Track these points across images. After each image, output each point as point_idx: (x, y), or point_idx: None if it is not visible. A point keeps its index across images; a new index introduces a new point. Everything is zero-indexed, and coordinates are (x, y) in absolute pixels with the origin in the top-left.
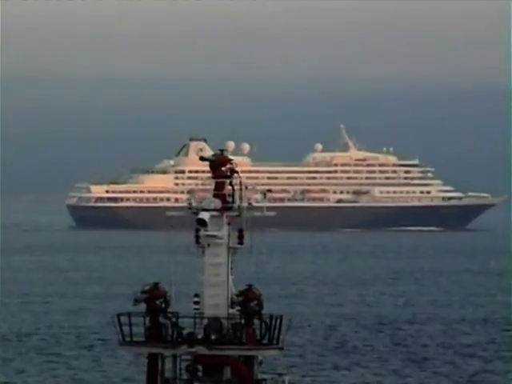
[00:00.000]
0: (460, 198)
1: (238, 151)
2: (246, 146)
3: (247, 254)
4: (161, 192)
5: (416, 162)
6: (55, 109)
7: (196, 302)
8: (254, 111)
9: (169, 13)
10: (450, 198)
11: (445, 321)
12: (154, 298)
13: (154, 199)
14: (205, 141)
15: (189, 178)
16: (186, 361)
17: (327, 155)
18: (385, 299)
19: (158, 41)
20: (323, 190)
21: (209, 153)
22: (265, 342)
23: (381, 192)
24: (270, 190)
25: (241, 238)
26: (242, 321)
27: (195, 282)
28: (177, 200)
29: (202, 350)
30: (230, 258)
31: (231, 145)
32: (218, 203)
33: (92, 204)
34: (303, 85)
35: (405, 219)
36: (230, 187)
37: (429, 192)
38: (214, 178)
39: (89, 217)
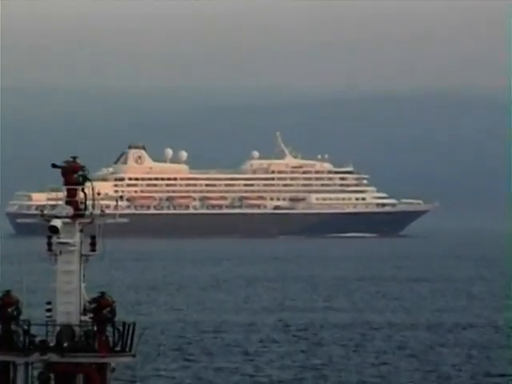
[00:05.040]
0: (394, 205)
1: (175, 158)
2: (184, 154)
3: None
4: (101, 199)
5: (351, 168)
6: None
7: (48, 310)
8: (191, 119)
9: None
10: (384, 205)
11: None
12: (6, 306)
13: None
14: (143, 148)
15: (128, 185)
16: (38, 369)
17: (264, 162)
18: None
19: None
20: (260, 197)
21: (147, 160)
22: (118, 349)
23: (317, 199)
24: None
25: (93, 245)
26: (95, 328)
27: (48, 290)
28: (116, 207)
29: (54, 357)
30: (83, 265)
31: (169, 152)
32: (70, 210)
33: (33, 212)
34: (240, 93)
35: (340, 226)
36: (82, 194)
37: (364, 199)
38: (65, 184)
39: (29, 225)
